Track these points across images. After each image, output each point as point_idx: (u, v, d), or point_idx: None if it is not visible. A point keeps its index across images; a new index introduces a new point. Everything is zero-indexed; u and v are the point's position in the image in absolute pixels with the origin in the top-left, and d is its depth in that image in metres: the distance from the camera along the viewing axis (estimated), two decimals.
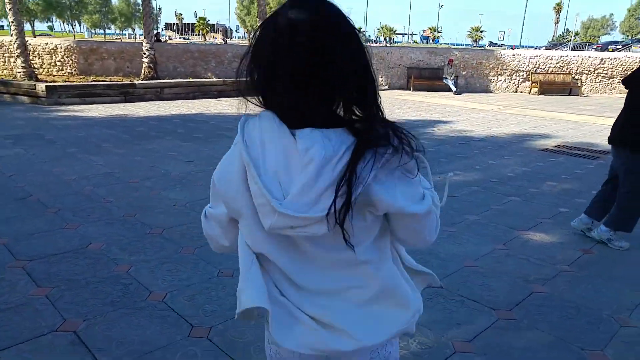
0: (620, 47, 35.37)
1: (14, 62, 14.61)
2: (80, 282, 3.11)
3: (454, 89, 18.41)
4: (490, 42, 65.96)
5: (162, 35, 23.08)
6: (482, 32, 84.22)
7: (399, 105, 14.33)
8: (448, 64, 18.97)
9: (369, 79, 0.98)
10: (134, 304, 2.88)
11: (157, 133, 8.46)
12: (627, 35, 73.94)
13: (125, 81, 14.27)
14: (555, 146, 8.45)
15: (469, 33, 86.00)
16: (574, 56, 19.94)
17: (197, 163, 6.36)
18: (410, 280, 1.21)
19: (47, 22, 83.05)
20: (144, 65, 16.40)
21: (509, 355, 2.56)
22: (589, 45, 40.08)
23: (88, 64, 16.96)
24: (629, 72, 4.25)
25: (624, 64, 19.29)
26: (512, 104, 15.59)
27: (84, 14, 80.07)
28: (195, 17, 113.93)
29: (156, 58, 16.66)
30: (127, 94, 13.05)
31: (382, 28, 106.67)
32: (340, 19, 0.97)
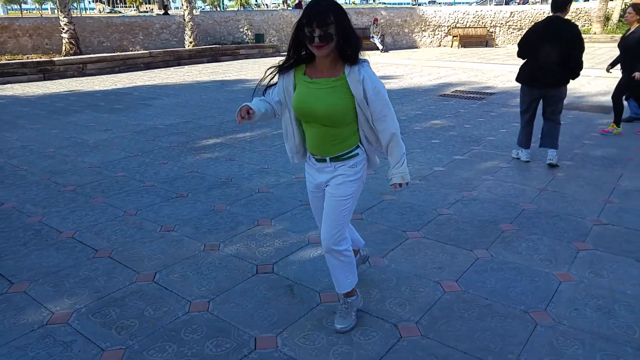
0: (539, 1, 37.17)
1: None
2: None
3: (380, 47, 19.14)
4: (430, 0, 66.37)
5: (170, 9, 22.00)
6: None
7: None
8: (374, 23, 19.62)
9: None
10: (44, 242, 3.42)
11: (78, 107, 8.65)
12: None
13: (44, 58, 13.90)
14: (453, 91, 9.41)
15: None
16: (487, 11, 21.19)
17: (114, 130, 6.74)
18: None
19: None
20: (64, 42, 15.88)
21: None
22: (511, 0, 41.94)
23: (0, 43, 16.21)
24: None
25: (530, 16, 20.70)
26: (432, 57, 16.55)
27: None
28: None
29: (77, 33, 16.18)
30: (46, 72, 12.82)
31: None
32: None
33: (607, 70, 6.24)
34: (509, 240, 3.34)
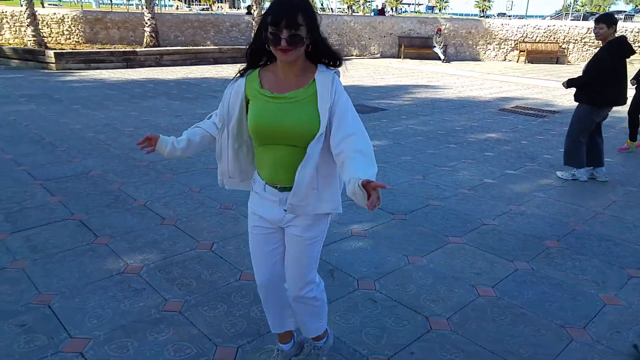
0: (622, 17, 35.24)
1: (24, 31, 15.45)
2: (82, 194, 4.13)
3: (442, 57, 18.99)
4: (499, 13, 64.39)
5: (252, 8, 23.53)
6: (489, 1, 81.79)
7: (384, 72, 15.05)
8: (437, 32, 19.50)
9: None
10: (122, 206, 3.89)
11: (153, 94, 9.38)
12: (633, 4, 72.08)
13: (128, 49, 15.10)
14: (513, 107, 9.26)
15: (476, 2, 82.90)
16: (561, 26, 20.37)
17: (184, 117, 7.33)
18: None
19: None
20: (145, 34, 17.11)
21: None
22: (591, 15, 39.78)
23: (94, 33, 17.70)
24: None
25: None
26: (494, 71, 16.23)
27: None
28: None
29: (157, 27, 17.36)
30: (129, 61, 13.92)
31: None
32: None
33: (632, 84, 6.03)
34: (553, 257, 3.31)
